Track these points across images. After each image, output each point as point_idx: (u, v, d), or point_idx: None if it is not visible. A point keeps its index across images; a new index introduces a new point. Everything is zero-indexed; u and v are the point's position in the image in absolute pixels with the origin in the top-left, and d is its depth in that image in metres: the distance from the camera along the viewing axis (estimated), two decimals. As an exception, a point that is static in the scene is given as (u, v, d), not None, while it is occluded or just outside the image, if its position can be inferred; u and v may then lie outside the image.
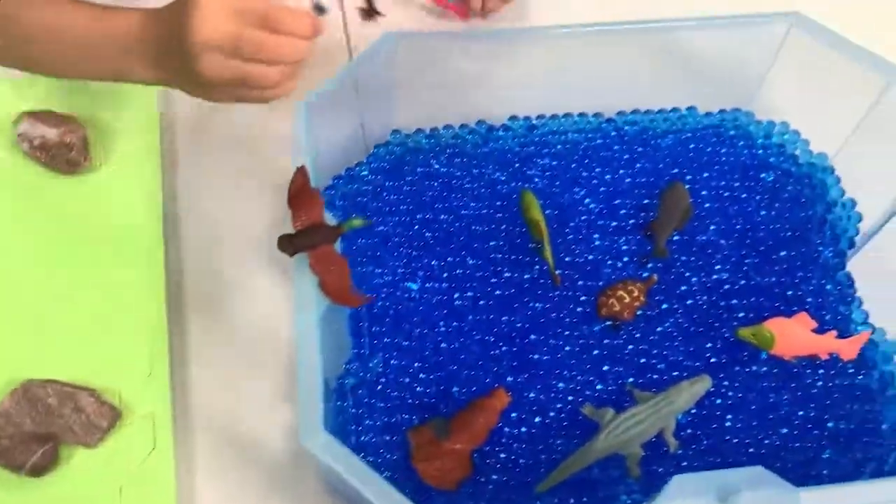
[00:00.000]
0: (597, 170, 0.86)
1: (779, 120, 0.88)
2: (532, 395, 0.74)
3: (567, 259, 0.81)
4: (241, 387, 0.74)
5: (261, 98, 0.60)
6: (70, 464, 0.69)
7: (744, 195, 0.85)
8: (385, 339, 0.75)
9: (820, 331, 0.76)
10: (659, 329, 0.77)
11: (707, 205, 0.84)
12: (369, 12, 0.71)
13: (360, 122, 0.85)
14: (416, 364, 0.74)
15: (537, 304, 0.78)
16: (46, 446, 0.67)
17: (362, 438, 0.71)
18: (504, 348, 0.76)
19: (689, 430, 0.72)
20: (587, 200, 0.84)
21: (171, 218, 0.82)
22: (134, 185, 0.81)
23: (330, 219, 0.66)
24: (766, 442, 0.72)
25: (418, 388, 0.73)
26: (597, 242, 0.82)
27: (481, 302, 0.78)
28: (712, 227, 0.82)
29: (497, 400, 0.70)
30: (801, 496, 0.55)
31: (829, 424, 0.73)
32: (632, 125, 0.89)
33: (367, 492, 0.55)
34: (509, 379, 0.74)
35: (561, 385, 0.74)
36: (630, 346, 0.76)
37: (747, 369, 0.75)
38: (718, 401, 0.74)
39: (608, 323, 0.78)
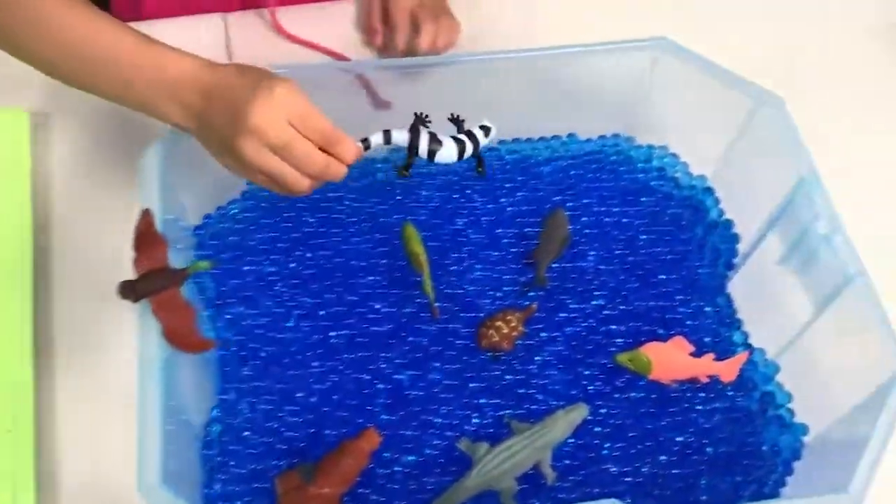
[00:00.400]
0: (479, 199, 0.85)
1: (658, 144, 0.89)
2: (408, 432, 0.72)
3: (448, 291, 0.80)
4: (111, 439, 0.71)
5: (279, 191, 0.63)
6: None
7: (625, 220, 0.85)
8: (254, 383, 0.73)
9: (698, 353, 0.75)
10: (538, 358, 0.76)
11: (587, 231, 0.84)
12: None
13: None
14: (286, 407, 0.72)
15: (416, 339, 0.77)
16: None
17: (230, 487, 0.68)
18: (379, 386, 0.74)
19: (566, 461, 0.71)
20: (469, 231, 0.84)
21: (43, 252, 0.78)
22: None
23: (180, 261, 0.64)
24: (645, 470, 0.71)
25: (288, 433, 0.71)
26: (478, 273, 0.81)
27: (358, 339, 0.76)
28: (591, 254, 0.82)
29: (366, 441, 0.68)
30: (655, 526, 0.54)
31: (709, 449, 0.73)
32: (513, 153, 0.89)
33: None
34: (384, 417, 0.72)
35: (438, 420, 0.73)
36: (509, 377, 0.75)
37: (626, 396, 0.75)
38: (597, 429, 0.73)
39: (488, 355, 0.76)
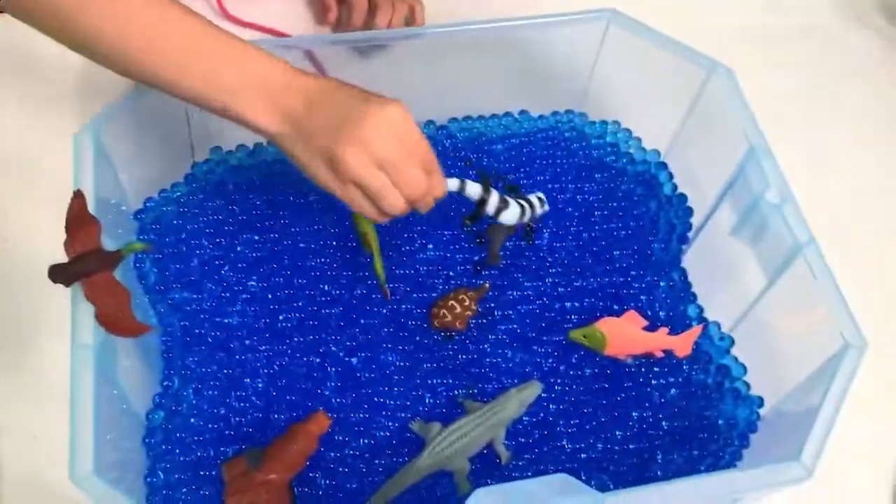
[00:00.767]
0: (430, 179, 0.84)
1: (611, 119, 0.88)
2: (359, 415, 0.70)
3: (399, 272, 0.78)
4: (49, 429, 0.68)
5: (367, 208, 0.62)
6: None
7: (579, 197, 0.84)
8: (201, 369, 0.71)
9: (653, 328, 0.75)
10: (492, 337, 0.75)
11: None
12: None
13: (189, 138, 0.81)
14: (233, 392, 0.70)
15: (367, 321, 0.75)
16: None
17: (174, 475, 0.66)
18: (330, 369, 0.72)
19: (520, 439, 0.70)
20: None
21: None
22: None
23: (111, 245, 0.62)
24: (600, 446, 0.70)
25: (235, 419, 0.69)
26: (430, 253, 0.80)
27: (307, 322, 0.74)
28: (546, 232, 0.81)
29: (315, 424, 0.67)
30: (606, 502, 0.53)
31: (665, 423, 0.72)
32: (465, 131, 0.87)
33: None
34: (335, 401, 0.71)
35: (390, 402, 0.71)
36: (462, 357, 0.74)
37: (580, 372, 0.74)
38: (551, 406, 0.72)
39: (441, 335, 0.75)
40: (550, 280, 0.78)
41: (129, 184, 0.75)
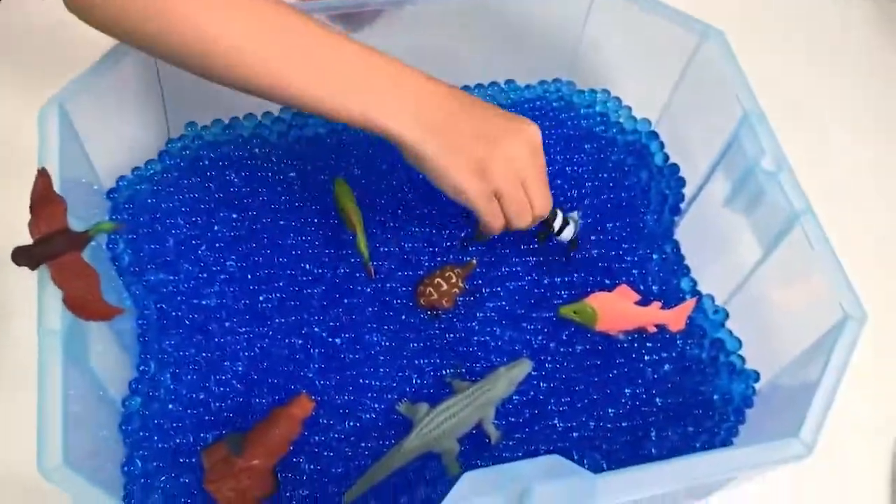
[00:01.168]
0: (415, 152, 0.81)
1: (600, 88, 0.85)
2: (344, 397, 0.68)
3: (383, 249, 0.76)
4: (19, 419, 0.66)
5: (495, 225, 0.64)
6: None
7: (568, 168, 0.81)
8: (179, 353, 0.68)
9: (645, 302, 0.73)
10: (480, 315, 0.73)
11: (529, 181, 0.80)
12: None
13: (164, 114, 0.78)
14: (212, 376, 0.68)
15: (351, 301, 0.73)
16: None
17: (152, 463, 0.64)
18: (313, 351, 0.70)
19: (510, 419, 0.68)
20: (405, 186, 0.79)
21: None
22: None
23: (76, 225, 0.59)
24: (592, 424, 0.68)
25: (215, 404, 0.67)
26: (415, 229, 0.77)
27: (289, 303, 0.72)
28: (534, 204, 0.78)
29: (298, 407, 0.64)
30: (598, 483, 0.51)
31: (658, 400, 0.70)
32: (450, 103, 0.84)
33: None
34: (318, 383, 0.68)
35: (375, 384, 0.69)
36: (450, 336, 0.72)
37: (571, 349, 0.72)
38: (542, 384, 0.70)
39: (427, 313, 0.73)
40: (538, 256, 0.76)
41: (100, 162, 0.72)
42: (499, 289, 0.74)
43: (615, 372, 0.71)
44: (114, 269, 0.70)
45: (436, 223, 0.77)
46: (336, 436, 0.66)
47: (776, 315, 0.71)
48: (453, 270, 0.73)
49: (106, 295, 0.59)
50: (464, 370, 0.70)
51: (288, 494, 0.63)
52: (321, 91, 0.58)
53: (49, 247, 0.55)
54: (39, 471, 0.50)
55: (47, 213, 0.56)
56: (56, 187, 0.58)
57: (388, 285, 0.74)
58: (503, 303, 0.73)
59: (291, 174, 0.79)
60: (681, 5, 0.75)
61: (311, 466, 0.65)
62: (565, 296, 0.74)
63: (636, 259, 0.77)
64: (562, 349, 0.71)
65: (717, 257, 0.76)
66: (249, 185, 0.77)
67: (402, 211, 0.78)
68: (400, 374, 0.70)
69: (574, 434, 0.68)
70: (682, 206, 0.79)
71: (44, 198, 0.57)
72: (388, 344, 0.71)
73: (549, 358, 0.71)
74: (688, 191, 0.79)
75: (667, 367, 0.72)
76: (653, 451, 0.67)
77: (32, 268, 0.55)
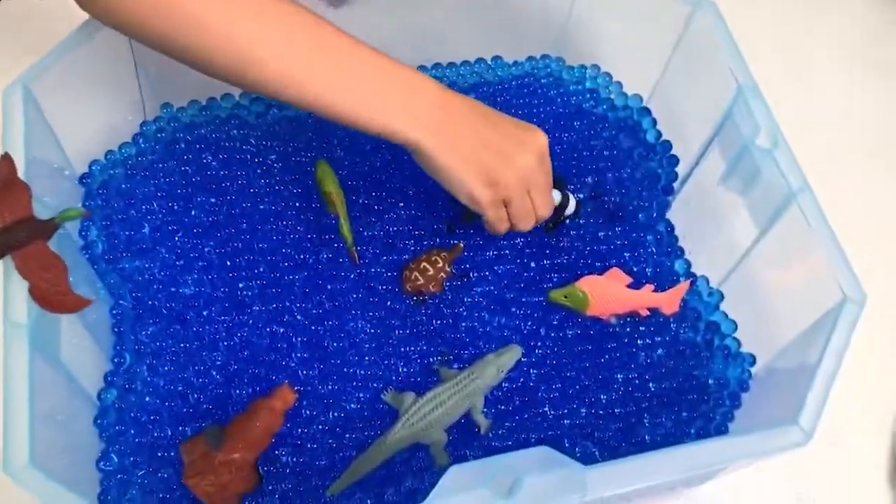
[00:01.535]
0: (399, 132, 0.78)
1: (590, 64, 0.83)
2: (327, 387, 0.66)
3: (367, 233, 0.73)
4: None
5: (500, 229, 0.65)
6: None
7: (557, 147, 0.78)
8: (155, 343, 0.66)
9: (637, 285, 0.70)
10: (468, 300, 0.70)
11: (518, 160, 0.77)
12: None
13: (139, 95, 0.75)
14: (191, 367, 0.65)
15: (334, 287, 0.70)
16: None
17: (129, 459, 0.62)
18: (295, 339, 0.68)
19: (500, 407, 0.66)
20: (391, 168, 0.77)
21: None
22: None
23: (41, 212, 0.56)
24: (584, 411, 0.66)
25: (193, 396, 0.64)
26: (400, 212, 0.74)
27: (270, 290, 0.70)
28: (523, 184, 0.76)
29: (279, 399, 0.62)
30: (588, 475, 0.49)
31: (652, 385, 0.68)
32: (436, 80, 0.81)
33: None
34: (302, 373, 0.66)
35: (360, 372, 0.67)
36: (436, 322, 0.69)
37: (562, 334, 0.69)
38: (532, 371, 0.68)
39: (413, 299, 0.70)
40: (527, 238, 0.74)
41: (71, 145, 0.69)
42: (487, 273, 0.72)
43: (607, 357, 0.69)
44: (86, 257, 0.68)
45: (421, 206, 0.75)
46: (320, 427, 0.64)
47: (772, 297, 0.69)
48: (440, 254, 0.71)
49: (78, 284, 0.57)
50: (451, 357, 0.68)
51: (270, 488, 0.61)
52: (338, 97, 0.58)
53: (13, 236, 0.53)
54: (5, 472, 0.48)
55: (11, 201, 0.53)
56: (21, 173, 0.56)
57: (372, 270, 0.71)
58: (491, 287, 0.71)
59: (271, 156, 0.76)
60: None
61: (294, 459, 0.63)
62: (555, 279, 0.72)
63: (628, 241, 0.74)
64: (552, 334, 0.69)
65: (712, 238, 0.74)
66: (228, 168, 0.75)
67: (386, 193, 0.75)
68: (385, 362, 0.67)
69: (565, 422, 0.66)
70: (676, 185, 0.77)
71: (7, 184, 0.54)
72: (372, 331, 0.69)
73: (539, 344, 0.69)
74: (681, 169, 0.77)
75: (660, 351, 0.70)
76: (646, 437, 0.66)
77: (-4, 258, 0.53)
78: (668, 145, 0.78)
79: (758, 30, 0.79)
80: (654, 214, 0.76)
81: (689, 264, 0.74)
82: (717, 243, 0.74)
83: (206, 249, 0.71)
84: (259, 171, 0.75)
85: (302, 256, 0.71)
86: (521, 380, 0.67)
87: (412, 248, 0.72)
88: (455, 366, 0.67)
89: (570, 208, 0.73)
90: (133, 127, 0.76)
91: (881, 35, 0.96)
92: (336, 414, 0.65)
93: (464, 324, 0.69)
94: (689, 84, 0.76)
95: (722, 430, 0.67)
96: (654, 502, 0.69)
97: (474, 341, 0.69)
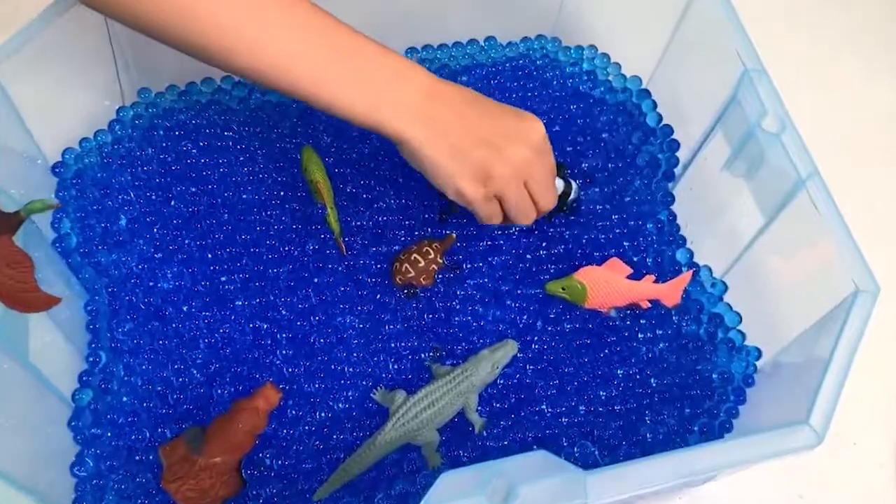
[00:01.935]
0: (388, 117, 0.75)
1: (587, 44, 0.79)
2: (314, 385, 0.63)
3: (356, 223, 0.70)
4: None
5: (495, 222, 0.61)
6: None
7: (553, 130, 0.75)
8: (133, 341, 0.63)
9: (637, 276, 0.68)
10: (461, 293, 0.67)
11: (512, 146, 0.74)
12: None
13: (116, 79, 0.72)
14: (170, 366, 0.62)
15: (321, 280, 0.67)
16: None
17: (105, 463, 0.59)
18: (280, 335, 0.65)
19: (496, 405, 0.63)
20: (381, 155, 0.73)
21: None
22: None
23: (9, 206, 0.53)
24: (582, 409, 0.64)
25: (173, 396, 0.61)
26: (390, 201, 0.71)
27: (253, 283, 0.66)
28: (517, 171, 0.73)
29: (262, 399, 0.59)
30: (588, 480, 0.47)
31: (653, 381, 0.65)
32: (426, 63, 0.78)
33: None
34: (287, 370, 0.63)
35: (348, 370, 0.64)
36: (428, 316, 0.66)
37: (559, 328, 0.67)
38: (528, 366, 0.65)
39: (404, 292, 0.67)
40: (524, 227, 0.71)
41: (42, 133, 0.66)
42: (481, 264, 0.69)
43: (606, 352, 0.66)
44: (58, 250, 0.64)
45: (412, 195, 0.72)
46: (306, 428, 0.61)
47: (779, 288, 0.66)
48: (431, 245, 0.68)
49: (50, 280, 0.54)
50: (444, 353, 0.65)
51: (254, 493, 0.59)
52: (327, 90, 0.55)
53: (-26, 231, 0.50)
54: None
55: (-29, 194, 0.50)
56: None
57: (361, 262, 0.68)
58: (485, 279, 0.68)
59: (254, 143, 0.73)
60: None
61: (279, 462, 0.60)
62: (552, 271, 0.69)
63: (627, 229, 0.71)
64: (549, 328, 0.67)
65: (715, 226, 0.71)
66: (208, 155, 0.71)
67: (375, 182, 0.72)
68: (375, 358, 0.65)
69: (563, 420, 0.63)
70: (677, 170, 0.74)
71: (-32, 176, 0.51)
72: (361, 326, 0.66)
73: (535, 338, 0.66)
74: (683, 154, 0.74)
75: (662, 345, 0.67)
76: (648, 436, 0.63)
77: (-43, 254, 0.50)
78: (668, 129, 0.75)
79: (762, 11, 0.76)
80: (655, 202, 0.73)
81: (691, 254, 0.71)
82: (721, 232, 0.71)
83: (185, 241, 0.67)
84: (241, 158, 0.72)
85: (287, 248, 0.68)
86: (517, 376, 0.64)
87: (402, 239, 0.69)
88: (448, 362, 0.64)
89: (573, 194, 0.70)
90: (109, 113, 0.72)
91: None
92: (323, 414, 0.62)
93: (457, 318, 0.66)
94: (691, 65, 0.72)
95: (726, 428, 0.64)
96: (655, 501, 0.66)
97: (468, 336, 0.66)
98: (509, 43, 0.80)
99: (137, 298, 0.64)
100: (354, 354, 0.65)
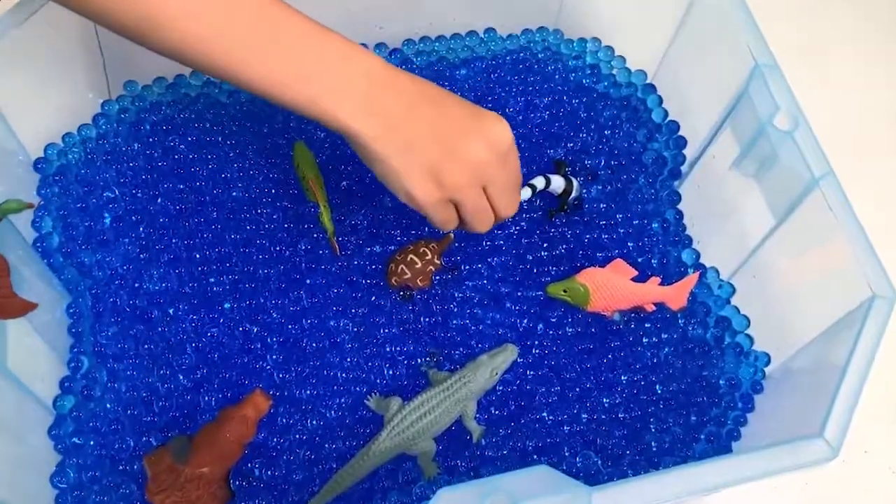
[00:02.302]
0: (384, 112, 0.72)
1: (590, 37, 0.77)
2: (305, 392, 0.61)
3: (350, 222, 0.68)
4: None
5: (449, 228, 0.57)
6: None
7: (555, 126, 0.73)
8: (116, 345, 0.60)
9: (642, 278, 0.65)
10: (459, 295, 0.65)
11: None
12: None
13: (102, 70, 0.69)
14: (156, 371, 0.60)
15: (313, 281, 0.65)
16: None
17: (87, 473, 0.56)
18: (270, 339, 0.62)
19: (495, 412, 0.61)
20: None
21: None
22: None
23: None
24: (585, 417, 0.61)
25: (159, 403, 0.59)
26: (386, 199, 0.69)
27: (242, 285, 0.64)
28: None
29: (251, 407, 0.57)
30: (594, 497, 0.44)
31: (658, 387, 0.63)
32: (423, 55, 0.76)
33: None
34: (278, 376, 0.61)
35: (341, 375, 0.62)
36: (425, 319, 0.64)
37: (561, 332, 0.64)
38: (529, 372, 0.63)
39: (400, 294, 0.65)
40: (523, 226, 0.68)
41: (23, 127, 0.63)
42: (479, 265, 0.66)
43: (610, 357, 0.64)
44: (39, 250, 0.62)
45: (408, 191, 0.69)
46: (297, 437, 0.59)
47: (789, 291, 0.63)
48: (428, 245, 0.65)
49: (30, 281, 0.51)
50: (441, 358, 0.63)
51: (243, 504, 0.56)
52: (268, 76, 0.49)
53: (-55, 232, 0.47)
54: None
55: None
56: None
57: (355, 263, 0.66)
58: (484, 281, 0.66)
59: (245, 138, 0.70)
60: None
61: (269, 473, 0.57)
62: (554, 272, 0.67)
63: (632, 229, 0.69)
64: (550, 332, 0.64)
65: (723, 226, 0.68)
66: (197, 151, 0.69)
67: (370, 179, 0.68)
68: (369, 364, 0.62)
69: (565, 428, 0.61)
70: (683, 168, 0.72)
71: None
72: (355, 330, 0.63)
73: (536, 342, 0.64)
74: (689, 151, 0.71)
75: (667, 349, 0.65)
76: (653, 444, 0.61)
77: (-73, 257, 0.47)
78: (674, 126, 0.72)
79: (770, 4, 0.74)
80: (661, 201, 0.70)
81: (697, 254, 0.69)
82: (728, 232, 0.68)
83: (172, 241, 0.65)
84: (231, 154, 0.69)
85: (278, 248, 0.66)
86: (517, 382, 0.62)
87: (398, 239, 0.67)
88: (445, 367, 0.62)
89: (574, 192, 0.67)
90: (94, 106, 0.70)
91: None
92: (315, 422, 0.60)
93: (454, 321, 0.64)
94: (698, 59, 0.70)
95: (734, 436, 0.62)
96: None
97: (466, 340, 0.63)
98: (510, 35, 0.77)
99: (122, 301, 0.62)
100: (348, 359, 0.62)
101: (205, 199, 0.67)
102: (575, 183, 0.68)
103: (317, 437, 0.59)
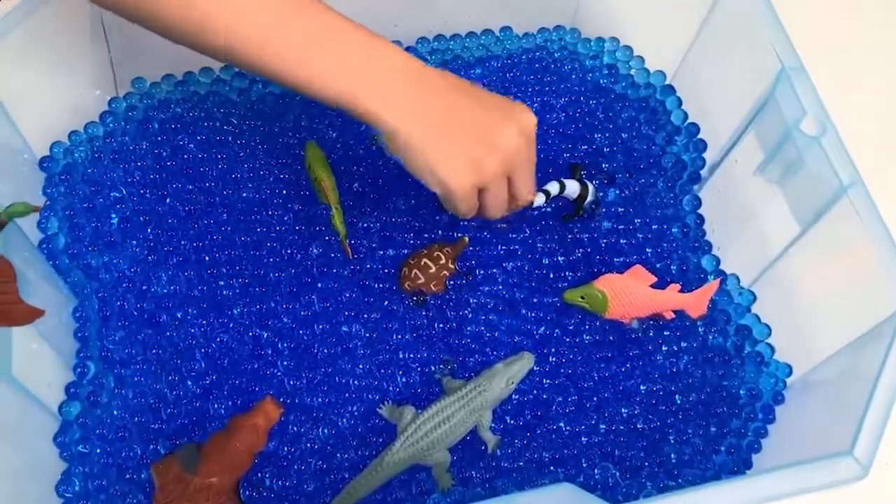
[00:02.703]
0: (397, 112, 0.71)
1: (608, 36, 0.75)
2: (317, 399, 0.59)
3: (363, 225, 0.66)
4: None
5: (468, 215, 0.56)
6: None
7: (571, 127, 0.71)
8: (124, 350, 0.59)
9: (661, 284, 0.64)
10: (473, 301, 0.64)
11: (529, 144, 0.70)
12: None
13: (109, 68, 0.68)
14: (164, 377, 0.59)
15: (325, 285, 0.63)
16: None
17: (94, 482, 0.55)
18: (281, 345, 0.61)
19: (510, 421, 0.60)
20: (387, 152, 0.69)
21: None
22: None
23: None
24: (603, 427, 0.60)
25: (167, 410, 0.58)
26: (399, 202, 0.67)
27: (253, 289, 0.63)
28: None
29: (262, 415, 0.56)
30: (618, 517, 0.43)
31: (678, 397, 0.62)
32: (437, 54, 0.74)
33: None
34: (289, 383, 0.60)
35: (354, 383, 0.60)
36: (439, 325, 0.63)
37: (578, 339, 0.63)
38: (546, 381, 0.61)
39: (413, 299, 0.64)
40: (540, 231, 0.67)
41: (29, 125, 0.62)
42: (495, 270, 0.65)
43: (628, 366, 0.62)
44: (44, 252, 0.60)
45: (422, 195, 0.67)
46: (308, 446, 0.58)
47: (813, 300, 0.62)
48: (442, 249, 0.64)
49: (35, 284, 0.50)
50: (455, 366, 0.61)
51: (252, 515, 0.55)
52: (308, 74, 0.50)
53: (-51, 236, 0.46)
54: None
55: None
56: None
57: (367, 267, 0.65)
58: (500, 287, 0.64)
59: (255, 138, 0.69)
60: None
61: (280, 483, 0.56)
62: (570, 278, 0.65)
63: (651, 235, 0.67)
64: (567, 340, 0.63)
65: (744, 232, 0.67)
66: (206, 151, 0.67)
67: (383, 181, 0.68)
68: (382, 370, 0.61)
69: (582, 439, 0.59)
70: (704, 172, 0.70)
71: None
72: (368, 336, 0.62)
73: (552, 350, 0.62)
74: (710, 155, 0.70)
75: (686, 358, 0.63)
76: (672, 456, 0.59)
77: (-69, 261, 0.46)
78: (695, 128, 0.71)
79: (796, 5, 0.72)
80: (680, 205, 0.69)
81: (718, 261, 0.67)
82: (750, 238, 0.66)
83: (181, 243, 0.64)
84: (241, 154, 0.68)
85: (289, 251, 0.65)
86: (534, 391, 0.61)
87: (412, 243, 0.66)
88: (459, 375, 0.61)
89: (590, 196, 0.66)
90: (101, 104, 0.68)
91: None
92: (326, 430, 0.58)
93: (469, 328, 0.63)
94: (720, 61, 0.68)
95: (754, 448, 0.60)
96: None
97: (481, 348, 0.62)
98: (526, 34, 0.76)
99: (129, 304, 0.61)
100: (360, 366, 0.61)
101: (214, 200, 0.65)
102: (590, 187, 0.67)
103: (328, 447, 0.58)
